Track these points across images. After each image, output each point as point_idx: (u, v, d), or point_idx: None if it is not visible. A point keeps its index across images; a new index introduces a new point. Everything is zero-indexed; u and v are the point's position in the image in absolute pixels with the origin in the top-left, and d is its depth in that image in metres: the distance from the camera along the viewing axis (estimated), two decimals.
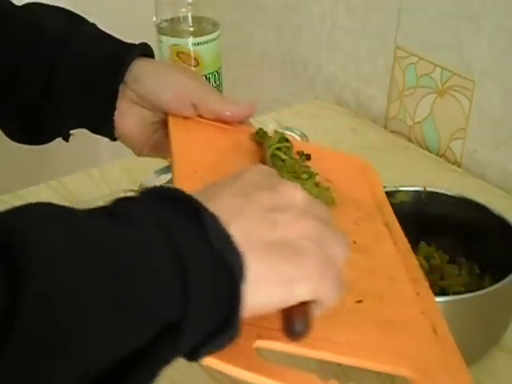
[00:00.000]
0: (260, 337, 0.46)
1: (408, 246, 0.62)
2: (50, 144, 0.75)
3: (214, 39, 0.92)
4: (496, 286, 0.67)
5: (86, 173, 1.06)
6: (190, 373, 0.70)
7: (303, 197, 0.47)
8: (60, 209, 0.39)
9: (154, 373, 0.39)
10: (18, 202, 0.37)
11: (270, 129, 0.72)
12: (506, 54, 1.00)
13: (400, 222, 0.65)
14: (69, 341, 0.35)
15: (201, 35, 0.92)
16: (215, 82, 0.94)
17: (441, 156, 1.13)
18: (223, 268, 0.41)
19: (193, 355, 0.42)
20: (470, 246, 0.78)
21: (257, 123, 0.74)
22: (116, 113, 0.70)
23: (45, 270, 0.35)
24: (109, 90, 0.69)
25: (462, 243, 0.78)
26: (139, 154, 0.74)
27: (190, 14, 0.92)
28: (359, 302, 0.53)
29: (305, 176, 0.64)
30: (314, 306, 0.45)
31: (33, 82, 0.69)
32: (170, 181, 0.65)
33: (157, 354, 0.39)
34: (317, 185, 0.64)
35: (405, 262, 0.59)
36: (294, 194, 0.47)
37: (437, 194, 0.80)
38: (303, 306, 0.44)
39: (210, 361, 0.43)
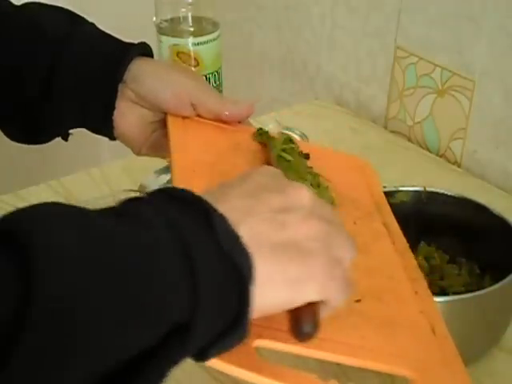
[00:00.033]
0: (260, 336, 0.46)
1: (406, 245, 0.62)
2: (50, 144, 0.75)
3: (214, 39, 0.92)
4: (496, 286, 0.67)
5: (86, 173, 1.06)
6: (192, 373, 0.69)
7: (310, 198, 0.47)
8: (71, 209, 0.39)
9: (162, 373, 0.39)
10: (18, 202, 0.37)
11: (270, 129, 0.72)
12: (506, 54, 1.00)
13: (400, 222, 0.65)
14: (79, 341, 0.35)
15: (201, 35, 0.92)
16: (215, 82, 0.94)
17: (441, 156, 1.13)
18: (232, 269, 0.41)
19: (201, 356, 0.42)
20: (470, 246, 0.78)
21: (257, 123, 0.74)
22: (115, 112, 0.70)
23: (56, 270, 0.35)
24: (108, 90, 0.69)
25: (462, 243, 0.78)
26: (138, 153, 0.74)
27: (190, 14, 0.92)
28: (358, 301, 0.53)
29: (309, 177, 0.64)
30: (321, 307, 0.45)
31: (32, 82, 0.69)
32: (170, 181, 0.65)
33: (166, 355, 0.39)
34: (318, 185, 0.64)
35: (403, 262, 0.59)
36: (302, 195, 0.47)
37: (437, 193, 0.80)
38: (311, 307, 0.44)
39: (210, 361, 0.43)
